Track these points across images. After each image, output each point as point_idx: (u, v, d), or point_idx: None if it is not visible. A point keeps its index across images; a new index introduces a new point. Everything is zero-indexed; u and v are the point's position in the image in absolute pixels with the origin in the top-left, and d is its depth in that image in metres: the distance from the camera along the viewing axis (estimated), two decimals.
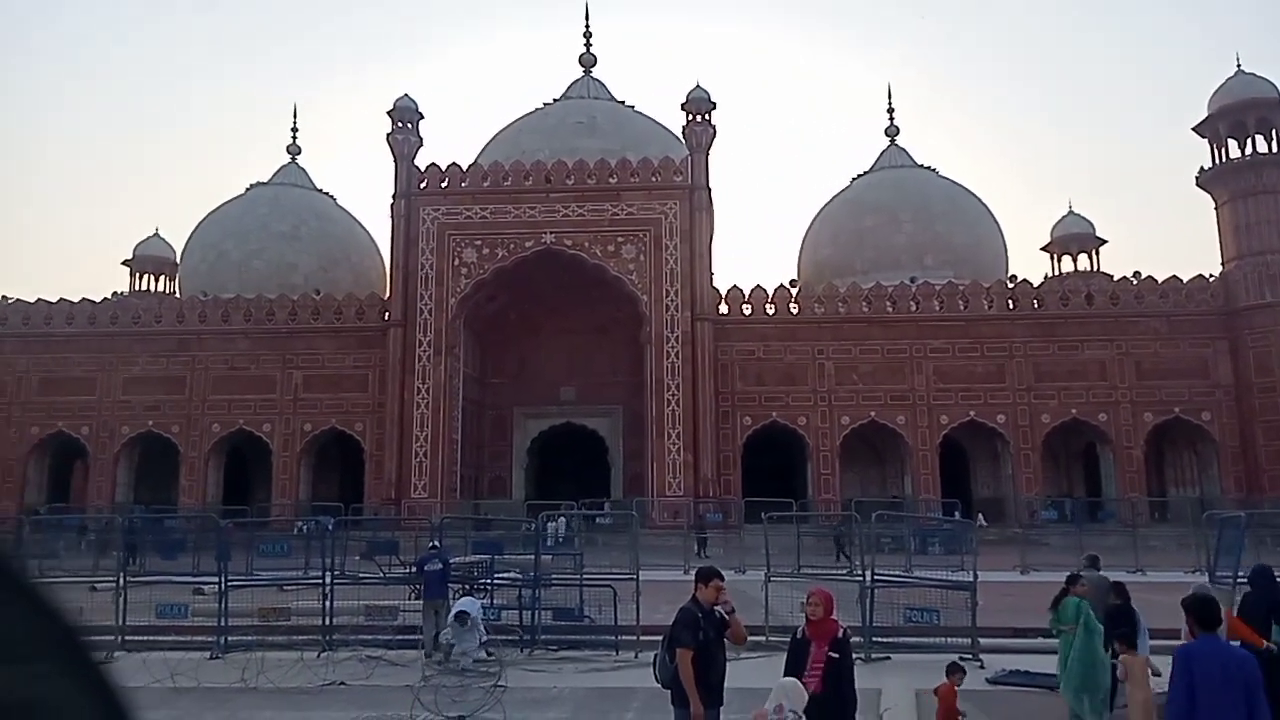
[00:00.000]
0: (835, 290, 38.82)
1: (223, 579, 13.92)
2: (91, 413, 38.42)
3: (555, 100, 48.79)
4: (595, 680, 11.46)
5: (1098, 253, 48.47)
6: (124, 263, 51.33)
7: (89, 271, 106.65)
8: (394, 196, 38.03)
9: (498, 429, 41.00)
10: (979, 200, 46.92)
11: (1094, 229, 48.64)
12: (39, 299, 40.04)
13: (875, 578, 12.88)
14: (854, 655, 6.71)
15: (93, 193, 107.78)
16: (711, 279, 37.82)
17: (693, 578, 6.59)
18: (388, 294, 39.09)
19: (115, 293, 46.58)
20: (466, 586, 14.67)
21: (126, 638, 13.58)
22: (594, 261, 36.73)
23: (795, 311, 38.29)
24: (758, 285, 38.42)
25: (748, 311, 38.07)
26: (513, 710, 9.37)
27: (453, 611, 12.24)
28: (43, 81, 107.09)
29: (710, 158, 38.20)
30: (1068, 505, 32.03)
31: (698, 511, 33.41)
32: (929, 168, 48.18)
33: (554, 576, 15.19)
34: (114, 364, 38.73)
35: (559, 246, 36.84)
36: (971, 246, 44.10)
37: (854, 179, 48.69)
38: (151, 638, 13.77)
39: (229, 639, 13.37)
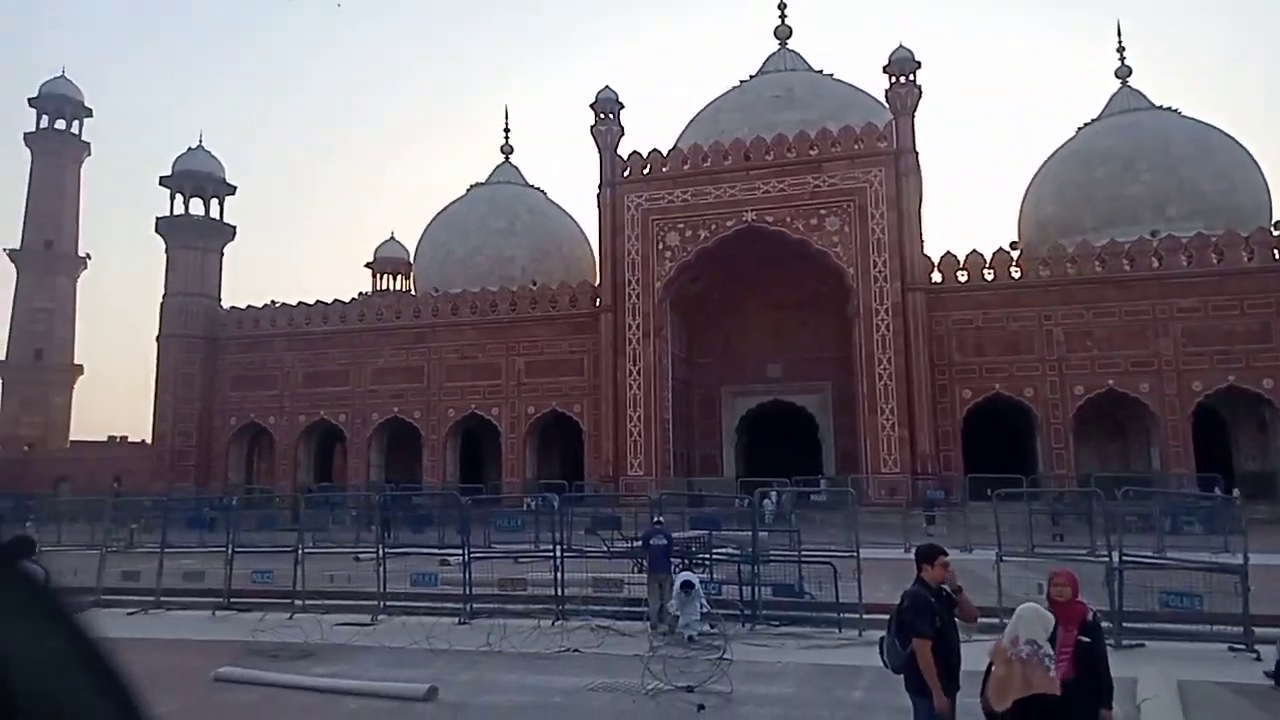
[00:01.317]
0: (1062, 250, 35.88)
1: (466, 551, 15.08)
2: (347, 402, 42.91)
3: (752, 76, 48.32)
4: (818, 657, 11.42)
5: None
6: (366, 265, 57.05)
7: (339, 274, 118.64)
8: (599, 186, 39.29)
9: (706, 408, 41.52)
10: (1233, 140, 41.49)
11: None
12: (299, 302, 45.13)
13: (1124, 558, 11.92)
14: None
15: (340, 205, 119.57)
16: (922, 246, 36.13)
17: (913, 557, 6.28)
18: (597, 281, 40.56)
19: (360, 293, 51.65)
20: (686, 561, 15.05)
21: (387, 603, 15.02)
22: (796, 236, 36.17)
23: (1017, 276, 35.77)
24: (974, 250, 36.24)
25: (963, 278, 36.00)
26: (738, 683, 9.52)
27: (677, 583, 12.62)
28: (298, 116, 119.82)
29: (916, 120, 36.42)
30: None
31: (916, 489, 32.27)
32: (1170, 109, 43.22)
33: (771, 553, 15.24)
34: (363, 357, 42.96)
35: (760, 224, 36.59)
36: (1225, 193, 39.15)
37: (1080, 128, 44.63)
38: (408, 604, 15.12)
39: (474, 606, 14.53)
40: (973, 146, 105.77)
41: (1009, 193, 63.75)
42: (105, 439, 58.43)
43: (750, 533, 14.83)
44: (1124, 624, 11.47)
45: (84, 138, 69.91)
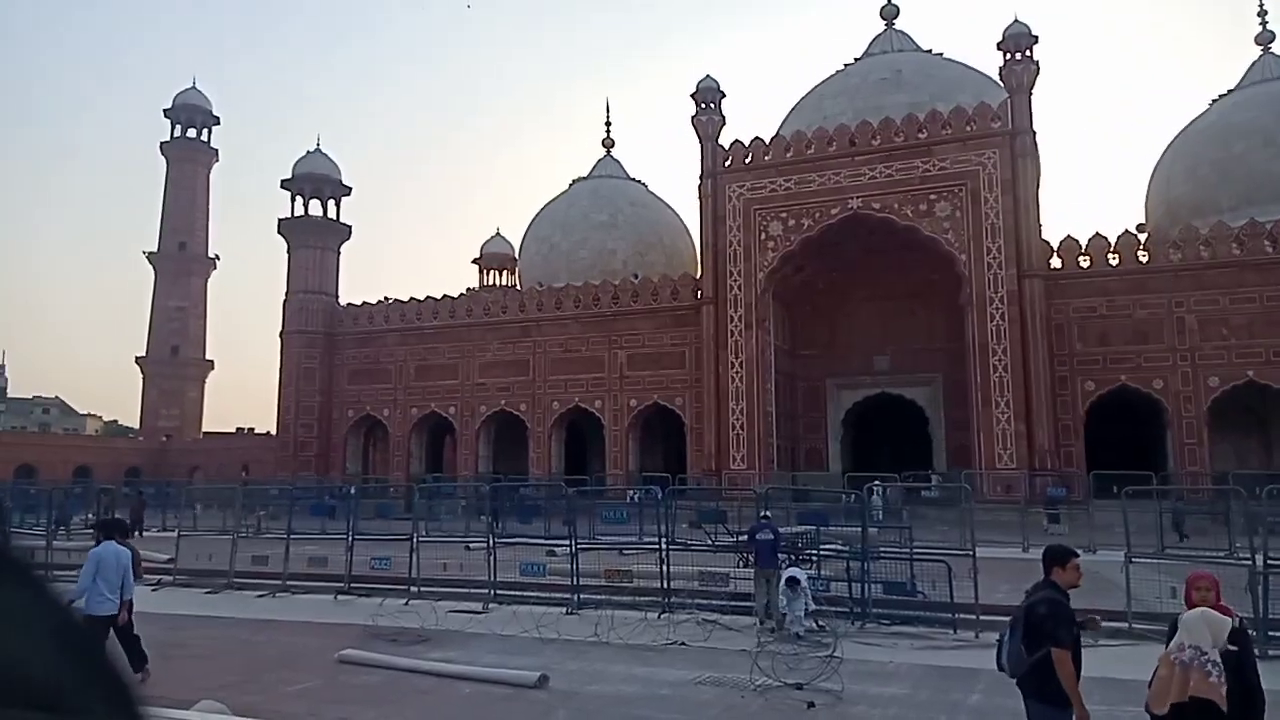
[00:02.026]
0: (1195, 232, 33.68)
1: (573, 542, 15.26)
2: (456, 395, 44.18)
3: (857, 59, 47.21)
4: (933, 658, 11.06)
5: None
6: (473, 261, 58.54)
7: (447, 269, 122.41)
8: (700, 177, 39.09)
9: (811, 400, 40.88)
10: None
11: None
12: (410, 298, 46.70)
13: (1269, 562, 11.10)
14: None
15: (448, 203, 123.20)
16: (1039, 231, 34.53)
17: (1039, 557, 5.83)
18: (698, 273, 40.42)
19: (468, 288, 53.05)
20: (793, 556, 14.84)
21: (497, 591, 15.39)
22: (904, 223, 35.13)
23: (1145, 260, 33.81)
24: (1097, 233, 34.44)
25: (1085, 264, 34.28)
26: (849, 682, 9.30)
27: (783, 578, 12.46)
28: (407, 117, 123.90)
29: (1033, 98, 34.83)
30: None
31: (1034, 485, 30.95)
32: None
33: (882, 550, 14.88)
34: (471, 351, 44.13)
35: (866, 211, 35.70)
36: None
37: (1214, 100, 41.81)
38: (517, 592, 15.44)
39: (581, 597, 14.71)
40: (1095, 124, 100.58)
41: (1135, 173, 60.25)
42: (234, 430, 62.03)
43: (859, 529, 14.51)
44: (1269, 633, 10.70)
45: (212, 144, 74.22)
